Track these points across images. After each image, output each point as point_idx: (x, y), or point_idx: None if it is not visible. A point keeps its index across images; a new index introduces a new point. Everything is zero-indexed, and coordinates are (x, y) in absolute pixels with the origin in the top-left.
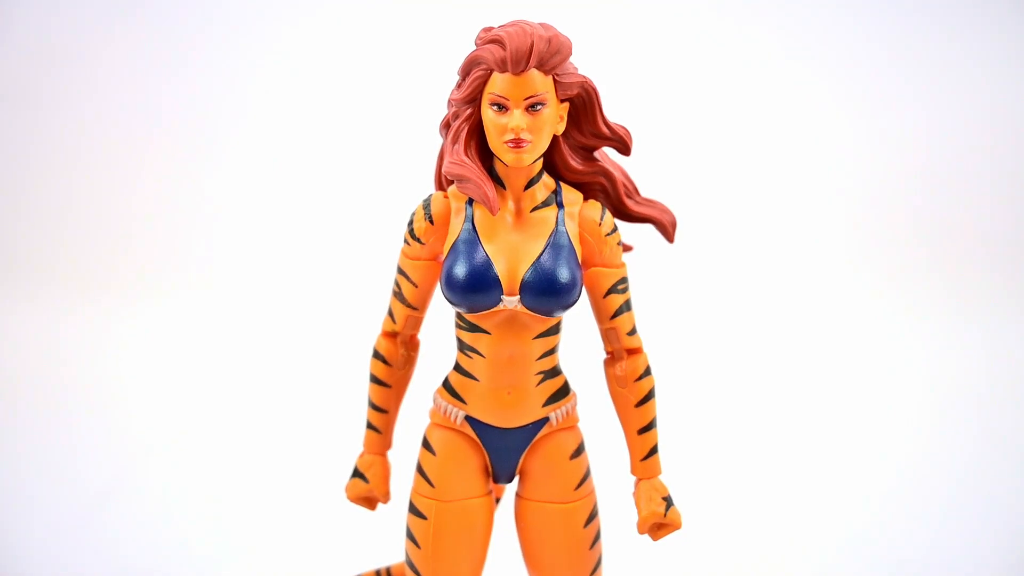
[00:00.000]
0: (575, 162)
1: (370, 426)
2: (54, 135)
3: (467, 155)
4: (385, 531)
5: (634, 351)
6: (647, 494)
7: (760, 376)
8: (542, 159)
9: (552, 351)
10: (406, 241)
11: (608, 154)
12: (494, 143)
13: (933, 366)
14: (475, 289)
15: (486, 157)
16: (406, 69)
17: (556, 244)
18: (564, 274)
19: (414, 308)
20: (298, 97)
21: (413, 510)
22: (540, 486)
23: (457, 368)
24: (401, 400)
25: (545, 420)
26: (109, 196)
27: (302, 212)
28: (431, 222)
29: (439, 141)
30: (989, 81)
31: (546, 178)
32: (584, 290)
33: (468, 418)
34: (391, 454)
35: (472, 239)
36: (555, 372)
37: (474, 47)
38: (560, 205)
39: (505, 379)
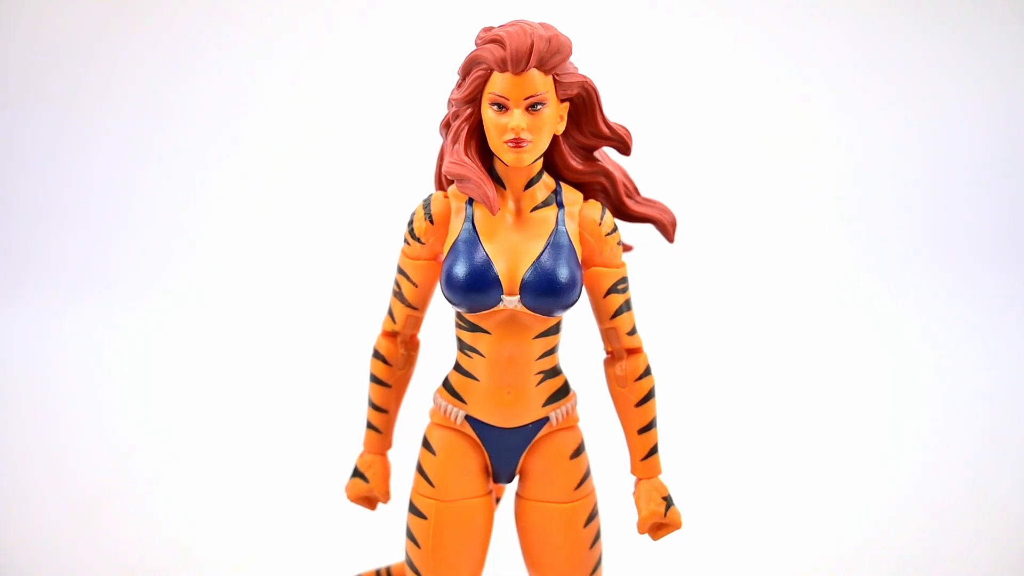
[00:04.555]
0: (575, 162)
1: (370, 426)
2: (52, 136)
3: (467, 155)
4: (385, 531)
5: (634, 351)
6: (647, 494)
7: (760, 376)
8: (542, 159)
9: (552, 351)
10: (406, 241)
11: (608, 154)
12: (494, 143)
13: (934, 365)
14: (475, 289)
15: (486, 157)
16: (407, 69)
17: (556, 244)
18: (564, 274)
19: (414, 308)
20: (299, 97)
21: (413, 510)
22: (540, 486)
23: (457, 368)
24: (401, 400)
25: (545, 420)
26: (108, 196)
27: (303, 212)
28: (431, 222)
29: (439, 141)
30: (992, 81)
31: (546, 178)
32: (584, 290)
33: (468, 418)
34: (391, 454)
35: (472, 239)
36: (555, 372)
37: (474, 47)
38: (560, 205)
39: (505, 379)
